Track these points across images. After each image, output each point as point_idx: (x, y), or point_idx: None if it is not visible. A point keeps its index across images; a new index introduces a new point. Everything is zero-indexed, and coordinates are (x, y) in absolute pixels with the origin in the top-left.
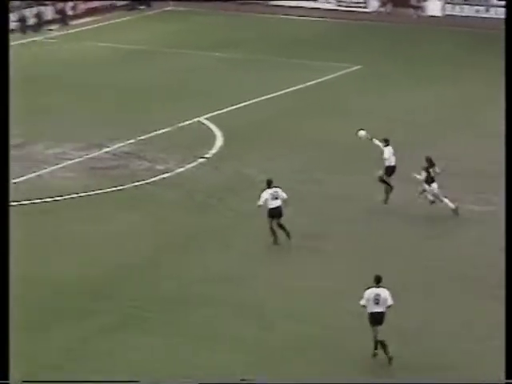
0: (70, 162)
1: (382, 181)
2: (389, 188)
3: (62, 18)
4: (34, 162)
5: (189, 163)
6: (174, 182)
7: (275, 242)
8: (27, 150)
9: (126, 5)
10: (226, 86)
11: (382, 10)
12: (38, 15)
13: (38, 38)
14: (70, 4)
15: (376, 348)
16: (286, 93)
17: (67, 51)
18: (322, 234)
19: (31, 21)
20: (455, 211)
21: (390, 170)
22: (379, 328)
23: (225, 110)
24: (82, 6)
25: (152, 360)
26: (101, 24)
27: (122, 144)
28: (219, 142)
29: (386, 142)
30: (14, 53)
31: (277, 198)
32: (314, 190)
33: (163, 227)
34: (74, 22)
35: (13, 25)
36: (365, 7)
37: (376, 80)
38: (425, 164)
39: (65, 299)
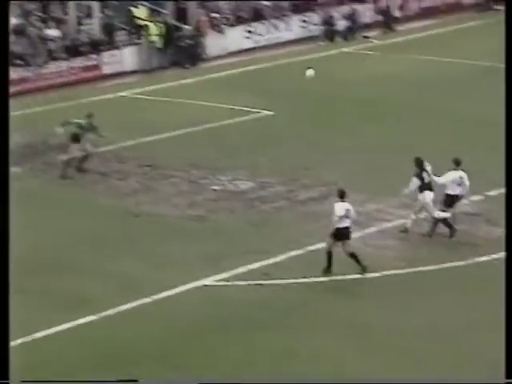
0: (387, 224)
1: None
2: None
3: (386, 22)
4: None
5: None
6: None
7: (327, 270)
8: (325, 203)
9: (477, 4)
10: None
11: None
12: (352, 17)
13: (350, 48)
14: (398, 2)
15: None
16: None
17: (390, 67)
18: None
19: (341, 24)
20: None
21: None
22: None
23: None
24: (415, 6)
25: None
26: (439, 30)
27: (464, 201)
28: None
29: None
30: (316, 67)
31: (347, 217)
32: None
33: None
34: (402, 28)
35: (317, 30)
36: None
37: None
38: None
39: None
